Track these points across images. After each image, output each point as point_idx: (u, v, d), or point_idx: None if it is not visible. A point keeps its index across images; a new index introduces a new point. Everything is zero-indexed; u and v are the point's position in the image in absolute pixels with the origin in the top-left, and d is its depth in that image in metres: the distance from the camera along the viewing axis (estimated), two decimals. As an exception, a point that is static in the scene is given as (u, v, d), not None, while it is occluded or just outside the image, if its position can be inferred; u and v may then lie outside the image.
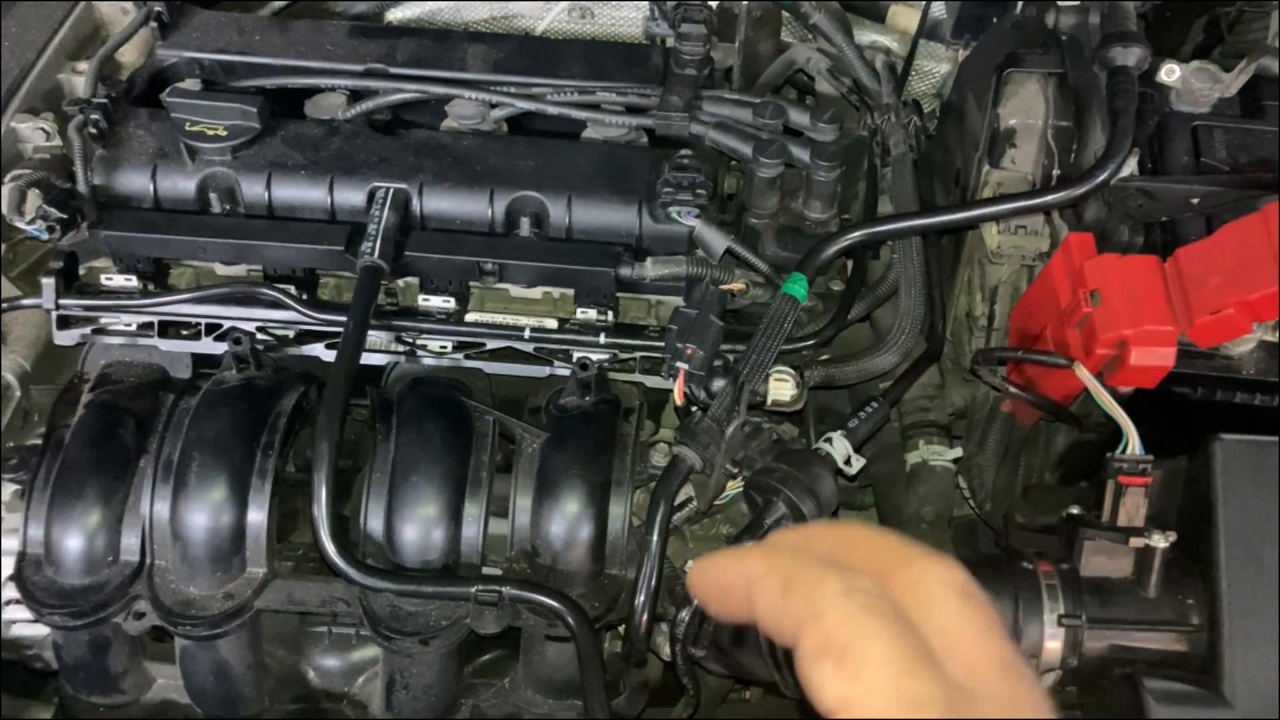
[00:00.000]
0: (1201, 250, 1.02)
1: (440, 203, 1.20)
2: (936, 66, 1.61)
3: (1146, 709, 0.97)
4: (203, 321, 1.18)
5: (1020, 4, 1.34)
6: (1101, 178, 1.09)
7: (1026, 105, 1.24)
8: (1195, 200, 1.11)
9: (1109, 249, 1.11)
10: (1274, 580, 0.97)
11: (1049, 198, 1.14)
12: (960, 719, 0.41)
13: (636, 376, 1.19)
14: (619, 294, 1.20)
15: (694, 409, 1.11)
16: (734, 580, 0.48)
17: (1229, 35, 1.41)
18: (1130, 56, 1.14)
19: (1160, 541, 0.99)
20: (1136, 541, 1.00)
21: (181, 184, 1.21)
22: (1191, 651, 1.00)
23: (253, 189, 1.21)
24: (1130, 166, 1.14)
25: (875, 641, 0.42)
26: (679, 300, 1.21)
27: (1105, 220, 1.15)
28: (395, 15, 1.66)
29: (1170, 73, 1.16)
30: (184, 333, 1.19)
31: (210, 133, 1.21)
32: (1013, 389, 1.15)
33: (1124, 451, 1.02)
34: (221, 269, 1.23)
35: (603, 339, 1.18)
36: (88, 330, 1.19)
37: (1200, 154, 1.15)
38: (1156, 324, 1.02)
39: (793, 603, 0.44)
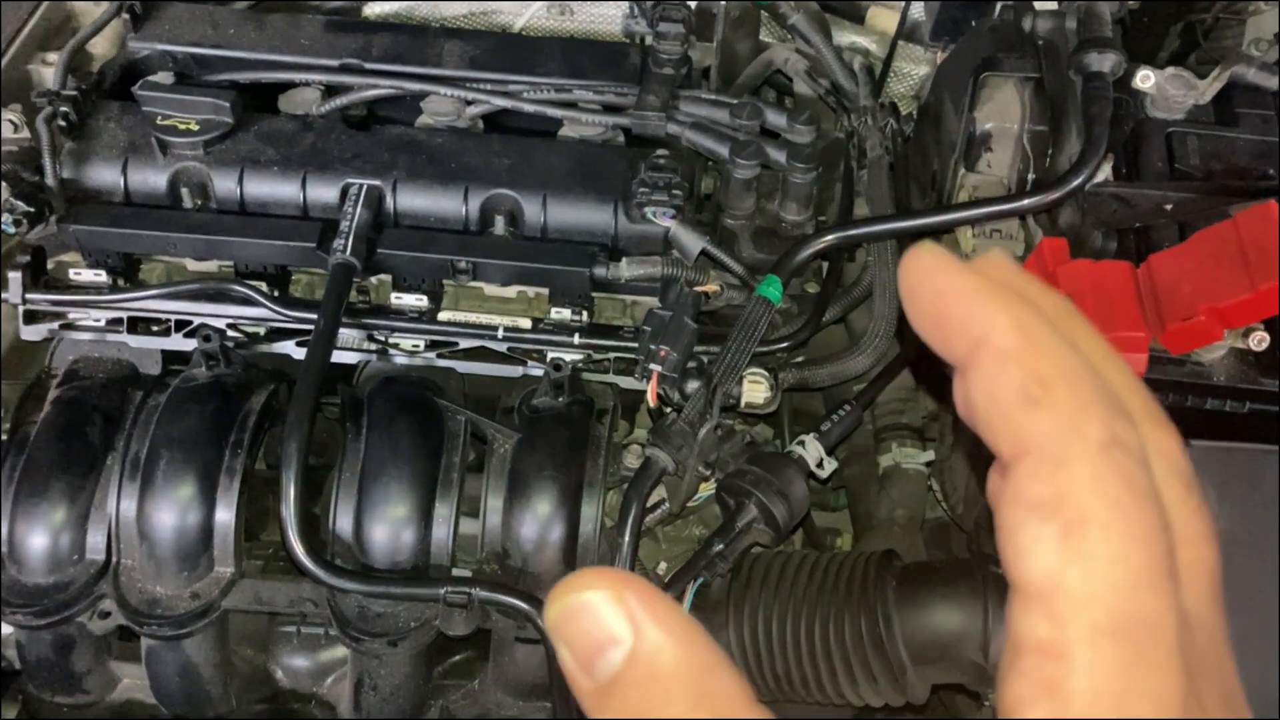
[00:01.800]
0: (1174, 257, 1.03)
1: (414, 200, 1.20)
2: (915, 69, 1.61)
3: (1114, 714, 0.97)
4: (173, 318, 1.17)
5: (998, 8, 1.34)
6: (1075, 183, 1.09)
7: (1003, 109, 1.24)
8: (1169, 206, 1.11)
9: (1082, 254, 1.11)
10: (1243, 586, 0.98)
11: (1023, 202, 1.14)
12: (1181, 660, 0.32)
13: (611, 377, 1.18)
14: (594, 294, 1.20)
15: (667, 411, 1.11)
16: (962, 323, 0.35)
17: (1204, 42, 1.42)
18: (1106, 62, 1.14)
19: (1130, 547, 0.99)
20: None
21: (152, 178, 1.20)
22: (1160, 657, 1.00)
23: (225, 184, 1.19)
24: (1105, 172, 1.14)
25: (1123, 531, 0.32)
26: (654, 301, 1.20)
27: (1079, 225, 1.15)
28: (372, 10, 1.64)
29: (1145, 79, 1.17)
30: (154, 329, 1.18)
31: (182, 127, 1.20)
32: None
33: (1095, 457, 1.02)
34: (192, 265, 1.22)
35: (577, 339, 1.17)
36: (55, 325, 1.18)
37: (1174, 160, 1.15)
38: (1129, 330, 1.02)
39: (1034, 422, 0.33)
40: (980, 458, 1.28)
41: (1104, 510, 0.32)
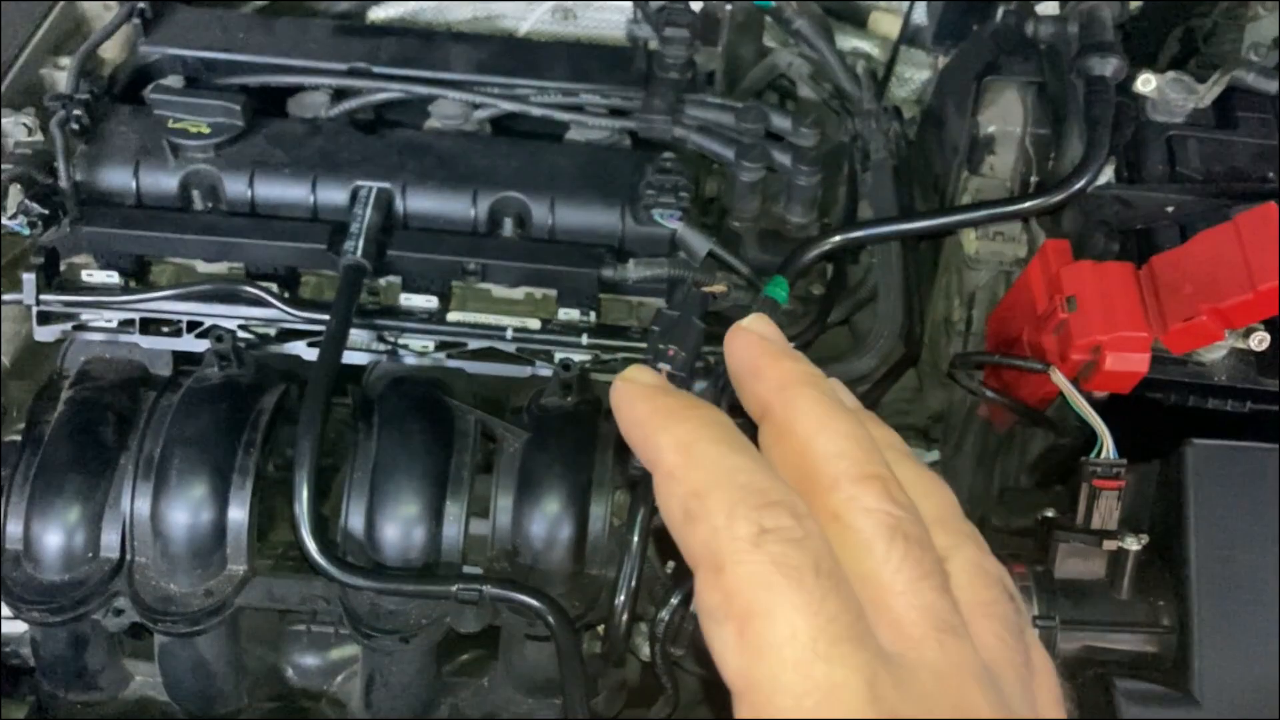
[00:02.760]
0: (1175, 258, 1.04)
1: (423, 202, 1.21)
2: (918, 73, 1.62)
3: (1118, 709, 0.99)
4: (184, 319, 1.18)
5: (1000, 12, 1.36)
6: (1078, 185, 1.11)
7: (1005, 113, 1.26)
8: (1170, 209, 1.13)
9: (1085, 256, 1.12)
10: (1243, 582, 0.99)
11: (1026, 205, 1.16)
12: (884, 712, 0.34)
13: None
14: (601, 295, 1.21)
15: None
16: (643, 442, 0.40)
17: (1203, 47, 1.43)
18: (1107, 66, 1.16)
19: (1133, 544, 1.01)
20: (1109, 544, 1.02)
21: (164, 181, 1.21)
22: (1162, 652, 1.01)
23: (235, 187, 1.21)
24: (1107, 175, 1.15)
25: (787, 611, 0.35)
26: (661, 302, 1.22)
27: (1082, 227, 1.16)
28: (377, 14, 1.66)
29: (1146, 83, 1.18)
30: (165, 330, 1.19)
31: (193, 130, 1.21)
32: (989, 393, 1.16)
33: (1098, 455, 1.03)
34: (203, 266, 1.23)
35: (585, 340, 1.18)
36: (68, 326, 1.19)
37: (1175, 163, 1.16)
38: (1131, 330, 1.03)
39: (694, 536, 0.37)
40: (986, 459, 1.30)
41: (762, 600, 0.35)
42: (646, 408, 0.41)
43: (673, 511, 0.38)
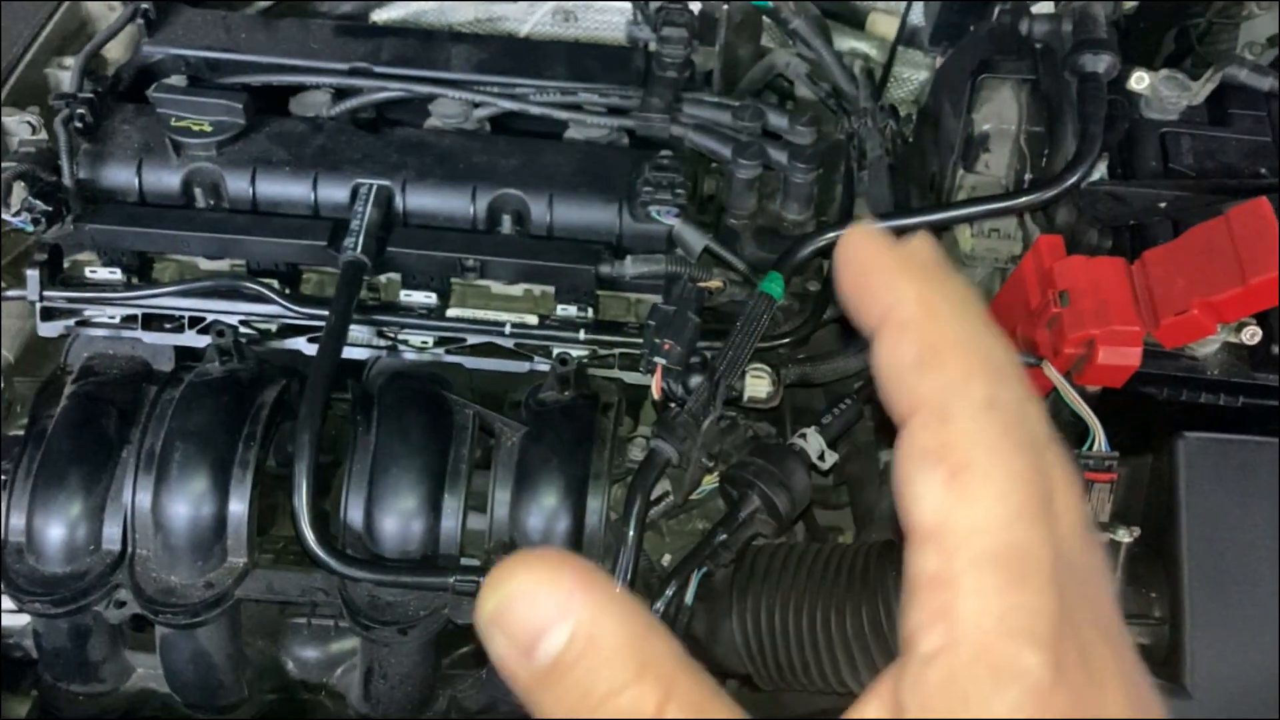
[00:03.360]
0: (1167, 253, 1.05)
1: (423, 199, 1.22)
2: (915, 74, 1.63)
3: (1110, 701, 0.99)
4: (186, 315, 1.20)
5: (996, 11, 1.37)
6: (1070, 181, 1.12)
7: (1000, 110, 1.27)
8: (1163, 204, 1.13)
9: (1078, 251, 1.13)
10: (1234, 575, 1.00)
11: (1019, 200, 1.17)
12: (1056, 588, 0.35)
13: (615, 373, 1.21)
14: (599, 291, 1.22)
15: (671, 404, 1.13)
16: (876, 293, 0.40)
17: (1199, 46, 1.44)
18: (1100, 64, 1.16)
19: (1125, 537, 1.01)
20: (1101, 536, 1.02)
21: (166, 179, 1.22)
22: (1154, 645, 1.02)
23: (237, 184, 1.22)
24: (1100, 171, 1.16)
25: (1003, 473, 0.36)
26: (658, 298, 1.22)
27: (1075, 223, 1.17)
28: (381, 16, 1.67)
29: (1140, 80, 1.19)
30: (167, 326, 1.20)
31: (195, 128, 1.22)
32: (984, 388, 1.17)
33: (1090, 448, 1.04)
34: (205, 263, 1.24)
35: (582, 335, 1.19)
36: (71, 322, 1.20)
37: (1168, 159, 1.17)
38: (1123, 324, 1.04)
39: (924, 383, 0.37)
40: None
41: (984, 457, 0.36)
42: (890, 257, 0.40)
43: (904, 356, 0.38)
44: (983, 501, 0.35)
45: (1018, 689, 0.34)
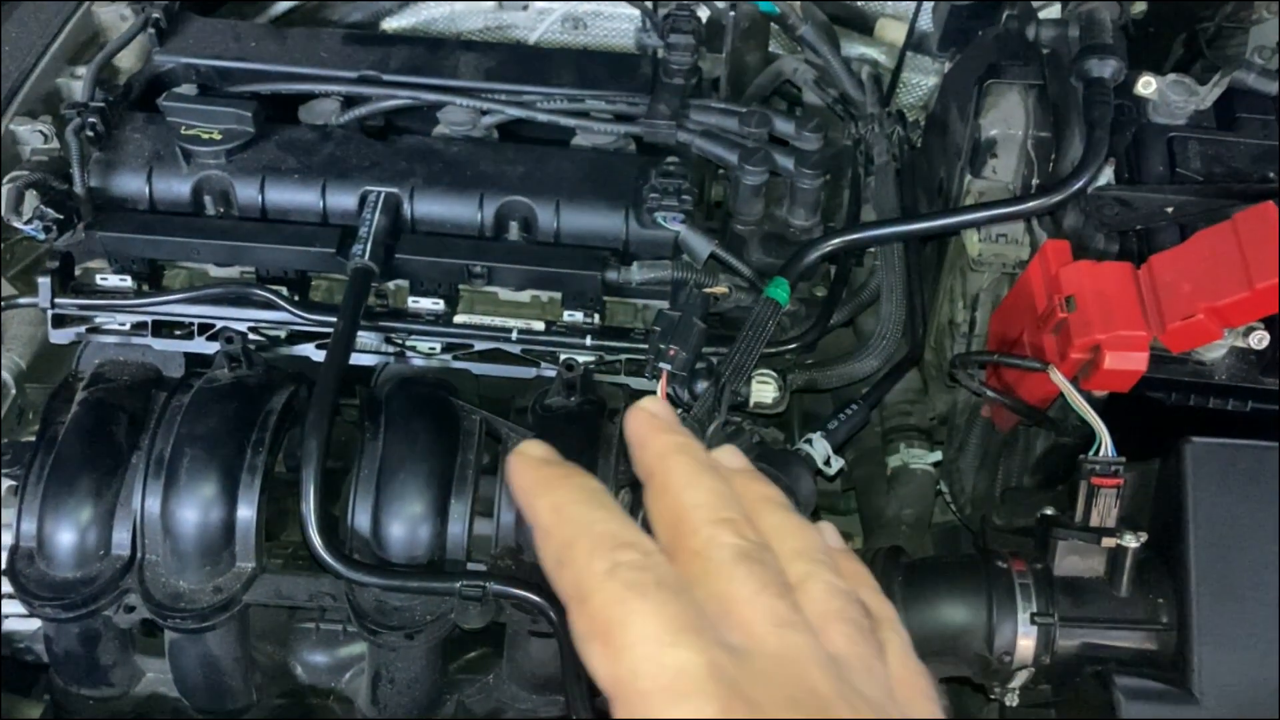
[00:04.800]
0: (1174, 257, 1.04)
1: (431, 207, 1.23)
2: (923, 79, 1.64)
3: (1117, 707, 0.99)
4: (196, 321, 1.20)
5: (1004, 17, 1.37)
6: (1076, 186, 1.12)
7: (1007, 116, 1.27)
8: (1169, 209, 1.13)
9: (1085, 256, 1.13)
10: (1241, 580, 0.99)
11: (1026, 205, 1.16)
12: (730, 680, 0.40)
13: (622, 378, 1.21)
14: (605, 297, 1.22)
15: (677, 410, 1.13)
16: (529, 511, 0.48)
17: (1208, 50, 1.44)
18: (1106, 68, 1.16)
19: (1132, 542, 1.01)
20: (1108, 542, 1.02)
21: (176, 186, 1.23)
22: (1161, 650, 1.02)
23: (246, 192, 1.23)
24: (1106, 176, 1.16)
25: (636, 618, 0.42)
26: (665, 304, 1.23)
27: (1082, 228, 1.17)
28: (391, 24, 1.68)
29: (1147, 85, 1.19)
30: (177, 332, 1.21)
31: (205, 136, 1.23)
32: (990, 393, 1.17)
33: (1097, 453, 1.04)
34: (215, 270, 1.25)
35: (589, 341, 1.20)
36: (83, 329, 1.21)
37: (1175, 164, 1.17)
38: (1130, 329, 1.04)
39: (565, 577, 0.44)
40: (989, 460, 1.30)
41: (618, 613, 0.42)
42: (530, 477, 0.48)
43: (548, 562, 0.46)
44: (632, 647, 0.41)
45: None
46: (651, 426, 0.51)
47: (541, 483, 0.48)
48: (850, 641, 0.46)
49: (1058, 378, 1.05)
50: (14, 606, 1.12)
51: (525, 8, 1.69)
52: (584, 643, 0.43)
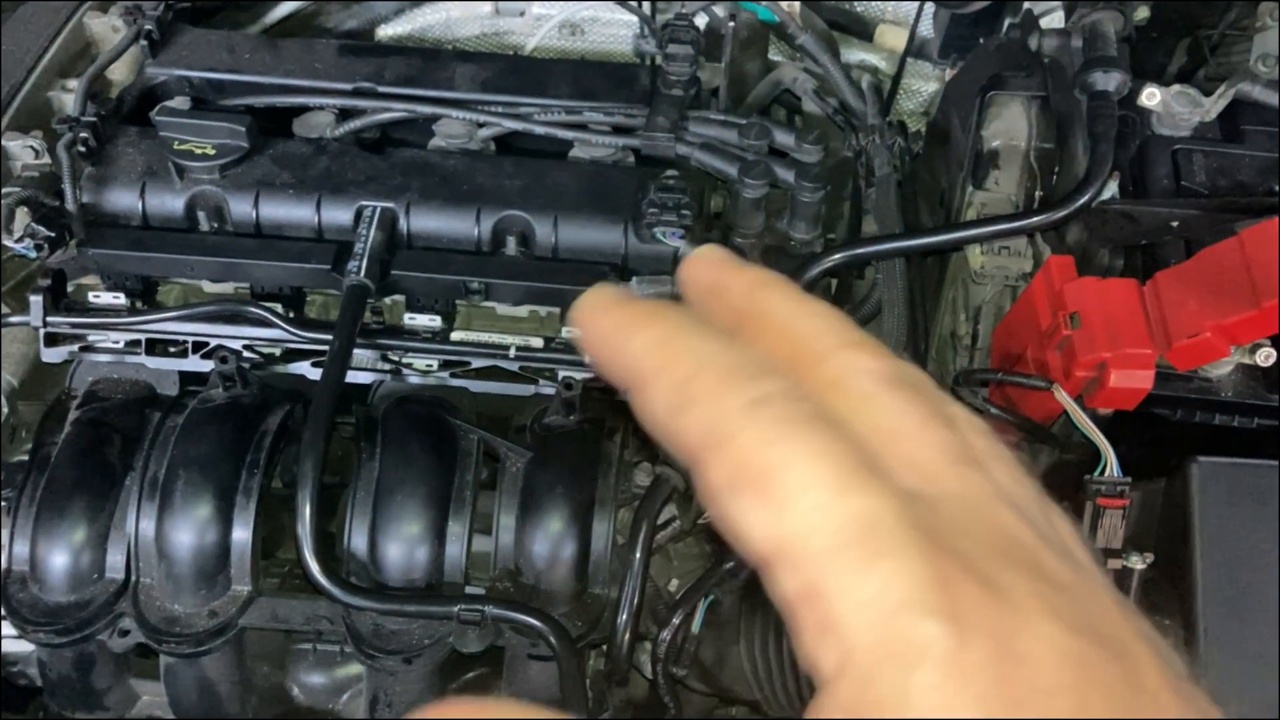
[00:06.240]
0: (1179, 274, 1.03)
1: (427, 221, 1.21)
2: (924, 85, 1.62)
3: (1124, 730, 0.98)
4: (190, 339, 1.19)
5: (1005, 26, 1.35)
6: (1081, 201, 1.10)
7: (1009, 127, 1.25)
8: (1175, 223, 1.12)
9: (1090, 271, 1.12)
10: (1249, 601, 0.98)
11: (1029, 221, 1.15)
12: (925, 535, 0.33)
13: (622, 395, 1.19)
14: (605, 313, 1.21)
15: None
16: (617, 358, 0.39)
17: (1211, 57, 1.42)
18: (1110, 81, 1.15)
19: (1138, 563, 1.00)
20: (1114, 563, 1.01)
21: (170, 202, 1.21)
22: (1169, 672, 1.00)
23: (240, 207, 1.21)
24: (1111, 189, 1.15)
25: (800, 459, 0.34)
26: (664, 319, 1.21)
27: (1086, 243, 1.16)
28: (386, 32, 1.67)
29: (1151, 97, 1.18)
30: (171, 350, 1.20)
31: (198, 151, 1.22)
32: (993, 410, 1.16)
33: (1102, 473, 1.02)
34: (209, 286, 1.24)
35: (588, 358, 1.18)
36: (75, 347, 1.19)
37: (1180, 177, 1.16)
38: (1135, 347, 1.03)
39: (690, 422, 0.36)
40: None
41: (775, 455, 0.34)
42: (614, 318, 0.40)
43: (659, 413, 0.37)
44: (799, 496, 0.33)
45: (927, 665, 0.31)
46: (726, 267, 0.42)
47: (631, 320, 0.39)
48: (1017, 482, 0.38)
49: (1063, 397, 1.04)
50: (7, 629, 1.11)
51: (522, 13, 1.67)
52: (727, 497, 0.34)
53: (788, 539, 0.33)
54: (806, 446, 0.34)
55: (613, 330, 0.40)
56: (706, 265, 0.43)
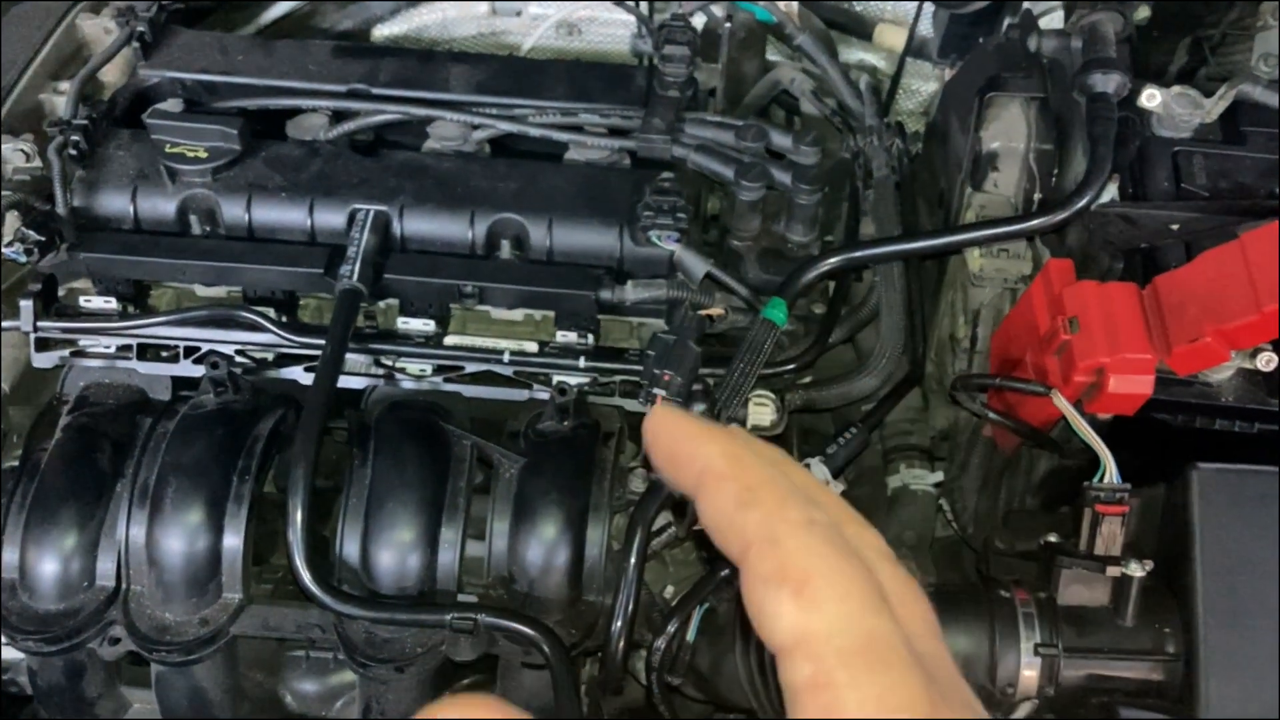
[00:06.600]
0: (1179, 278, 1.02)
1: (421, 225, 1.20)
2: (924, 85, 1.61)
3: (1123, 739, 0.97)
4: (181, 344, 1.18)
5: (1004, 26, 1.34)
6: (1079, 204, 1.09)
7: (1008, 128, 1.24)
8: (1175, 226, 1.11)
9: (1090, 275, 1.11)
10: (1250, 609, 0.97)
11: (1028, 224, 1.14)
12: (916, 664, 0.40)
13: (617, 400, 1.18)
14: (600, 316, 1.20)
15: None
16: (688, 459, 0.46)
17: (1212, 57, 1.41)
18: (1110, 83, 1.14)
19: (1137, 571, 0.99)
20: (1113, 570, 1.00)
21: (161, 206, 1.21)
22: (1168, 681, 0.99)
23: (233, 211, 1.20)
24: (1110, 192, 1.14)
25: (839, 576, 0.40)
26: (661, 322, 1.21)
27: (1086, 246, 1.15)
28: (382, 31, 1.66)
29: (1151, 98, 1.16)
30: (163, 355, 1.19)
31: (190, 154, 1.21)
32: (992, 415, 1.15)
33: (1101, 480, 1.01)
34: (202, 290, 1.23)
35: (582, 363, 1.17)
36: (66, 353, 1.19)
37: (1180, 180, 1.15)
38: (1135, 352, 1.01)
39: (748, 519, 0.42)
40: (991, 480, 1.28)
41: (818, 565, 0.41)
42: (691, 425, 0.47)
43: (725, 504, 0.43)
44: (831, 603, 0.40)
45: None
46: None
47: (707, 431, 0.46)
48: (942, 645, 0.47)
49: (1061, 403, 1.03)
50: (-2, 637, 1.10)
51: (519, 13, 1.66)
52: (765, 587, 0.41)
53: (812, 634, 0.39)
54: (843, 568, 0.41)
55: (692, 433, 0.46)
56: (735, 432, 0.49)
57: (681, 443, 0.46)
